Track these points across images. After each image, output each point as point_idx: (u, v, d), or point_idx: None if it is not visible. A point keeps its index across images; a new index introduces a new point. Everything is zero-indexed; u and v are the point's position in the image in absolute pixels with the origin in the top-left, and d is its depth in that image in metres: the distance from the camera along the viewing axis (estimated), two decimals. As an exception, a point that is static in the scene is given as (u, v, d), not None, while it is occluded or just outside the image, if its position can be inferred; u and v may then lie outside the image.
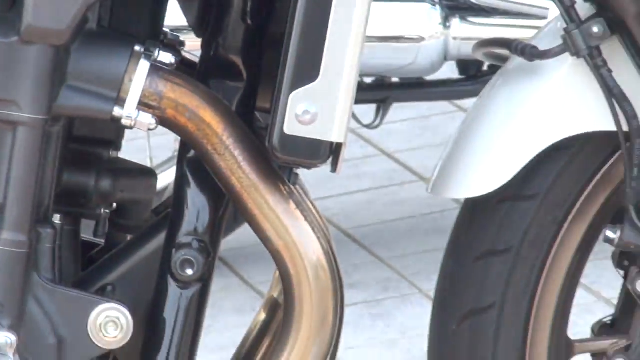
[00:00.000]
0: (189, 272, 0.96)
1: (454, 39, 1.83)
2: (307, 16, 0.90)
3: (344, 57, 0.91)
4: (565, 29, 1.01)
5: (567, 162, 1.09)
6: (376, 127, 1.93)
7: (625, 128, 1.00)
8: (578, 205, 1.11)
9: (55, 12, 0.84)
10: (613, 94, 0.99)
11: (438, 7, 1.83)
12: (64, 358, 0.97)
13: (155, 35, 0.98)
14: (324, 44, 0.91)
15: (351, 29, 0.91)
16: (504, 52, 1.06)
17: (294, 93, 0.89)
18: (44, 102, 0.90)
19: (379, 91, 1.90)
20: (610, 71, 0.99)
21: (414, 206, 2.10)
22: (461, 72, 2.04)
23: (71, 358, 0.98)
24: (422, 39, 1.78)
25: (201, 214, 1.00)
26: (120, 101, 0.89)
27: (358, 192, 2.12)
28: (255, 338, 1.12)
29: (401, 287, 2.15)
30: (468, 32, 1.85)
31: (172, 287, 0.99)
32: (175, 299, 0.99)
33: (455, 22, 1.86)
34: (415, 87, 1.95)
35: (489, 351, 1.02)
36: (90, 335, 0.95)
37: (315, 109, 0.90)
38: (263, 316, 1.12)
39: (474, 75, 2.02)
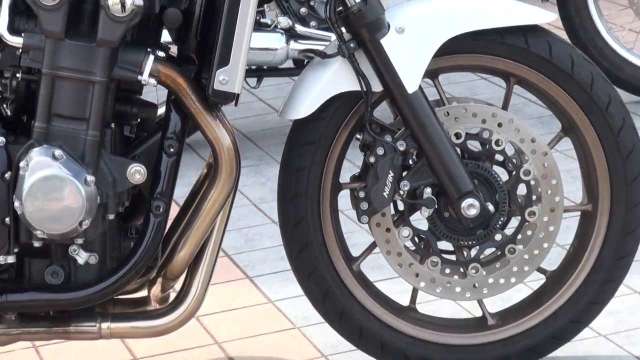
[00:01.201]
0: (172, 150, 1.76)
1: (291, 49, 3.10)
2: (225, 30, 1.68)
3: (240, 52, 1.69)
4: (338, 45, 1.83)
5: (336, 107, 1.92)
6: (255, 88, 3.26)
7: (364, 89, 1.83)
8: (342, 128, 1.95)
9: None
10: (360, 74, 1.80)
11: (284, 36, 3.08)
12: (117, 186, 1.74)
13: (157, 44, 1.79)
14: (232, 45, 1.69)
15: (244, 37, 1.69)
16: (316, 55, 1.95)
17: (218, 70, 1.68)
18: (107, 72, 1.67)
19: (257, 72, 3.16)
20: (358, 65, 1.83)
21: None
22: (295, 63, 3.28)
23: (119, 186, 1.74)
24: (276, 49, 2.99)
25: (177, 124, 1.77)
26: (141, 73, 1.66)
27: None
28: (200, 182, 1.93)
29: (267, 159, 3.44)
30: (298, 47, 3.12)
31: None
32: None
33: (292, 42, 3.10)
34: (275, 70, 3.21)
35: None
36: (127, 174, 1.74)
37: (227, 77, 1.68)
38: (205, 171, 1.92)
39: (302, 66, 3.12)
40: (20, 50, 1.70)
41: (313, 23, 3.18)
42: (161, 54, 1.73)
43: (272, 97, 3.95)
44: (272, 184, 2.92)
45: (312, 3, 3.31)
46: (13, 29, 1.66)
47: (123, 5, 1.62)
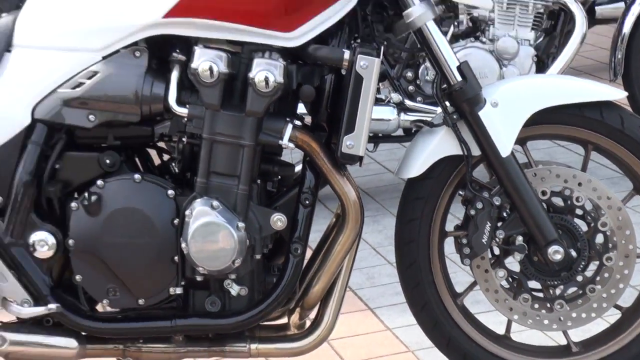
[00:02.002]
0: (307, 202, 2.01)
1: (402, 120, 3.39)
2: (351, 103, 1.91)
3: (364, 122, 1.93)
4: (443, 116, 2.06)
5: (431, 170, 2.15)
6: (373, 152, 3.69)
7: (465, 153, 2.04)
8: (447, 186, 2.19)
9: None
10: (462, 141, 2.02)
11: (395, 109, 3.31)
12: (263, 231, 1.98)
13: (294, 114, 2.04)
14: (356, 116, 1.93)
15: (367, 109, 1.93)
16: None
17: (346, 136, 1.91)
18: (254, 137, 1.93)
19: (373, 138, 3.48)
20: (460, 133, 2.03)
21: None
22: (404, 131, 3.56)
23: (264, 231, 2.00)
24: (390, 120, 3.34)
25: (311, 180, 2.01)
26: (282, 138, 1.91)
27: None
28: (330, 229, 2.19)
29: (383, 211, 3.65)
30: (407, 118, 3.40)
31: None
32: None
33: (402, 114, 3.38)
34: (388, 137, 3.49)
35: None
36: (271, 222, 2.00)
37: (353, 142, 1.92)
38: (333, 220, 2.19)
39: (411, 133, 3.37)
40: (186, 119, 1.96)
41: (419, 98, 3.43)
42: (298, 122, 2.00)
43: (386, 160, 4.21)
44: (387, 231, 3.27)
45: (418, 82, 3.49)
46: (180, 102, 1.93)
47: (267, 82, 1.86)
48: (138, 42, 1.93)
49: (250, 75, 1.87)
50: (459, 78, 2.02)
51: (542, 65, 3.44)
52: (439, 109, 2.23)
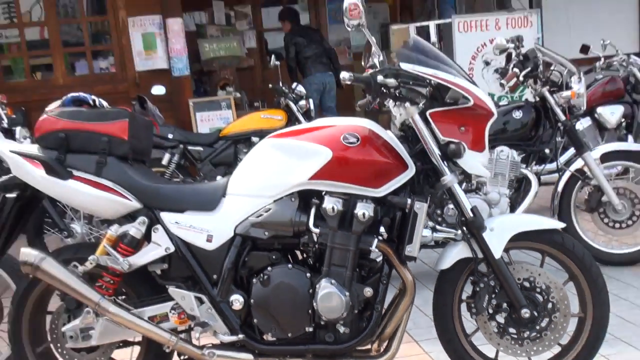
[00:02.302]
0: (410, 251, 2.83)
1: (434, 237, 3.61)
2: (411, 226, 2.81)
3: (418, 237, 2.81)
4: (462, 235, 2.95)
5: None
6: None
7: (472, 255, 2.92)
8: (463, 274, 3.06)
9: None
10: (472, 249, 2.89)
11: (428, 229, 3.49)
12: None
13: (378, 232, 2.83)
14: (413, 234, 2.83)
15: (420, 229, 2.82)
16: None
17: (407, 245, 2.82)
18: (356, 246, 2.79)
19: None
20: (471, 245, 2.93)
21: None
22: (435, 243, 4.07)
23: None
24: (426, 236, 3.27)
25: (386, 269, 2.90)
26: (371, 245, 2.78)
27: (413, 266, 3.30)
28: (396, 297, 2.94)
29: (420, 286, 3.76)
30: (437, 236, 3.69)
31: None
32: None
33: (434, 233, 3.60)
34: (425, 247, 3.91)
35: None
36: (364, 292, 2.93)
37: (411, 249, 2.84)
38: (397, 292, 2.94)
39: (439, 244, 4.08)
40: (318, 235, 2.77)
41: (444, 224, 4.26)
42: (380, 237, 2.78)
43: (425, 257, 4.56)
44: (426, 297, 3.58)
45: (443, 216, 4.45)
46: (315, 225, 2.78)
47: (364, 216, 2.71)
48: (294, 193, 2.85)
49: (355, 211, 2.73)
50: (471, 214, 2.85)
51: (513, 208, 4.81)
52: (458, 231, 3.01)
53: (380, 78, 2.84)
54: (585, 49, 6.70)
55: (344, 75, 2.93)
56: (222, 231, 2.96)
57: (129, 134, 3.12)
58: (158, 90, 8.29)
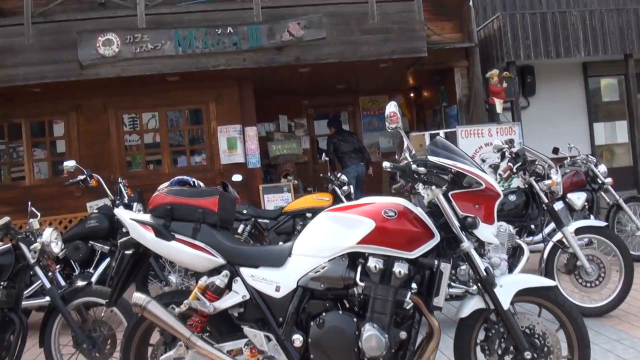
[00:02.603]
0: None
1: (451, 291, 3.10)
2: (437, 282, 2.69)
3: (443, 292, 2.68)
4: (477, 290, 2.80)
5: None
6: None
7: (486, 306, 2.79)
8: (478, 321, 2.81)
9: None
10: (485, 301, 2.76)
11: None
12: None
13: (411, 286, 2.78)
14: (440, 289, 2.68)
15: (444, 285, 2.72)
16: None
17: (435, 298, 2.67)
18: (394, 297, 2.69)
19: None
20: (485, 298, 2.78)
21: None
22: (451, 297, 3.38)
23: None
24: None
25: (417, 317, 2.74)
26: (406, 297, 2.68)
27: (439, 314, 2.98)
28: (425, 339, 2.76)
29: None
30: (454, 291, 3.19)
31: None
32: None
33: (450, 289, 3.05)
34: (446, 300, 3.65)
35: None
36: (399, 335, 2.74)
37: (438, 300, 2.69)
38: (424, 335, 2.75)
39: (458, 297, 3.35)
40: (362, 288, 2.68)
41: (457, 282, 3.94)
42: (413, 291, 2.65)
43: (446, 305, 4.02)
44: (446, 341, 3.29)
45: (456, 275, 4.17)
46: (361, 280, 2.68)
47: (400, 274, 2.65)
48: (344, 254, 2.80)
49: (393, 270, 2.64)
50: (485, 273, 2.75)
51: (510, 270, 4.56)
52: (473, 287, 2.86)
53: (414, 167, 2.84)
54: (555, 150, 6.87)
55: (386, 164, 2.90)
56: (288, 283, 2.86)
57: (218, 207, 3.05)
58: (237, 177, 8.44)
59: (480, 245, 2.92)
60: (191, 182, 3.26)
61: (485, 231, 2.80)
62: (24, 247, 3.72)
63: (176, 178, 3.30)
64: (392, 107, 2.90)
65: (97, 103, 9.11)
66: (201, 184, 3.33)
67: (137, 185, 7.25)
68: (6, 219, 3.75)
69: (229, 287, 2.93)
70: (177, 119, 9.89)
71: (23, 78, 8.07)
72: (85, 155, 8.99)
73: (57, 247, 3.84)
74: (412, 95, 12.62)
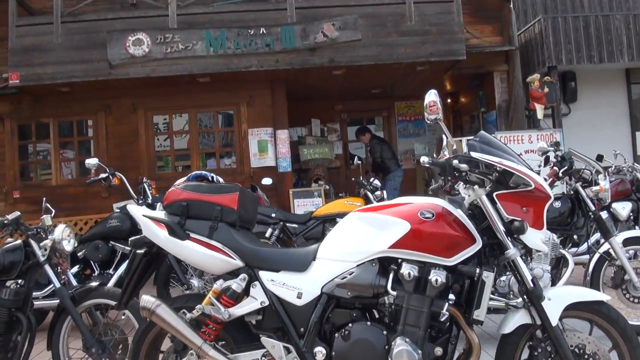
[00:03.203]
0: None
1: (491, 304, 3.06)
2: (478, 294, 2.44)
3: (485, 304, 2.41)
4: (523, 303, 2.50)
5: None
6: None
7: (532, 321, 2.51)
8: (523, 338, 2.54)
9: None
10: (531, 315, 2.47)
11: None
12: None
13: (448, 296, 2.53)
14: (481, 300, 2.41)
15: (486, 298, 2.46)
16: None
17: (475, 310, 2.42)
18: (429, 308, 2.44)
19: None
20: (531, 312, 2.51)
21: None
22: (492, 310, 3.40)
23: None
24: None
25: (455, 331, 2.48)
26: (443, 309, 2.42)
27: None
28: (463, 354, 2.51)
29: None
30: (494, 303, 3.28)
31: None
32: None
33: (491, 302, 3.00)
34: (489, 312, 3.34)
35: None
36: (434, 351, 2.48)
37: (479, 314, 2.44)
38: (462, 351, 2.52)
39: (494, 311, 3.45)
40: (394, 298, 2.48)
41: (496, 294, 3.59)
42: (451, 301, 2.47)
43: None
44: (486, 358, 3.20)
45: (495, 287, 3.71)
46: (392, 288, 2.46)
47: (437, 282, 2.42)
48: (374, 259, 2.56)
49: (429, 277, 2.43)
50: (532, 285, 2.50)
51: (552, 283, 4.19)
52: (518, 299, 2.61)
53: (455, 162, 2.57)
54: (600, 157, 6.38)
55: (424, 158, 2.62)
56: (311, 290, 2.63)
57: (238, 205, 2.84)
58: (266, 181, 8.40)
59: (527, 253, 2.63)
60: (209, 177, 3.04)
61: (534, 237, 2.52)
62: (34, 243, 3.55)
63: (194, 172, 3.11)
64: (432, 96, 2.62)
65: (126, 103, 9.02)
66: (220, 179, 3.10)
67: (165, 187, 7.04)
68: (16, 213, 3.61)
69: (246, 292, 2.72)
70: (207, 120, 9.75)
71: (51, 77, 8.00)
72: (114, 156, 8.91)
73: (69, 245, 3.65)
74: (449, 100, 12.29)
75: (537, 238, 2.54)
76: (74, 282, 4.08)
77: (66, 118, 9.09)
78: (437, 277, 2.44)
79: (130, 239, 2.96)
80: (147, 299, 2.76)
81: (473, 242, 2.52)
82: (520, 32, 10.45)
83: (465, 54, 8.51)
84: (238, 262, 2.75)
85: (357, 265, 2.59)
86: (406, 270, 2.48)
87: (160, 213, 2.92)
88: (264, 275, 2.72)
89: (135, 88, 8.76)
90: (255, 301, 2.70)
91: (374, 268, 2.58)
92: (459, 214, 2.58)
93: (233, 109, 9.38)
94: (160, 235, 2.79)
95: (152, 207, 5.55)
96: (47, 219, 3.79)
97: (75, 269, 5.54)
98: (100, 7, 8.77)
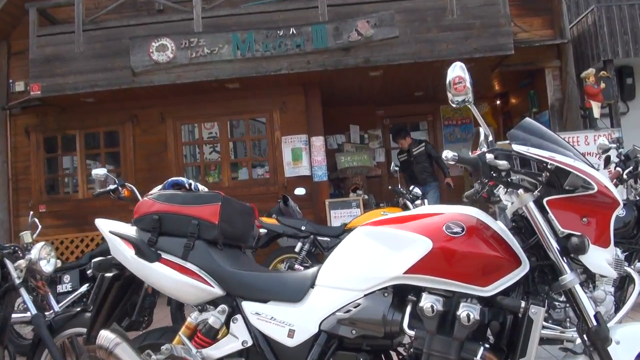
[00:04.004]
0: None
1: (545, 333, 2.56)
2: (524, 338, 1.81)
3: (532, 350, 1.79)
4: (583, 349, 1.85)
5: None
6: None
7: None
8: None
9: None
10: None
11: None
12: None
13: (485, 338, 1.89)
14: (527, 345, 1.79)
15: (535, 342, 1.81)
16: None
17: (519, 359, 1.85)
18: (458, 354, 1.82)
19: None
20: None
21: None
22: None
23: None
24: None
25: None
26: (476, 355, 1.80)
27: None
28: None
29: None
30: (546, 333, 2.61)
31: None
32: None
33: (546, 331, 2.61)
34: None
35: None
36: None
37: None
38: None
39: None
40: (413, 339, 1.91)
41: (550, 320, 3.04)
42: (487, 345, 1.90)
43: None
44: None
45: (549, 312, 3.16)
46: (410, 326, 1.91)
47: (468, 319, 1.81)
48: (387, 287, 1.98)
49: (458, 313, 1.85)
50: (595, 323, 1.86)
51: (617, 306, 3.51)
52: (572, 334, 2.15)
53: (489, 158, 1.94)
54: None
55: (447, 154, 1.99)
56: (306, 326, 2.06)
57: (220, 218, 2.30)
58: (299, 191, 7.95)
59: (589, 279, 1.98)
60: (187, 185, 2.47)
61: (597, 258, 1.88)
62: (9, 264, 3.12)
63: (170, 179, 2.55)
64: (457, 70, 1.98)
65: (153, 113, 8.65)
66: (199, 186, 2.54)
67: None
68: None
69: (228, 327, 2.19)
70: (238, 128, 9.27)
71: (73, 87, 7.69)
72: (141, 167, 8.55)
73: (49, 266, 3.20)
74: (498, 102, 11.50)
75: (602, 259, 1.88)
76: (56, 308, 3.59)
77: (93, 129, 8.79)
78: (468, 312, 1.85)
79: (93, 261, 2.49)
80: (106, 336, 2.24)
81: (517, 264, 1.90)
82: (573, 24, 9.63)
83: (512, 48, 7.80)
84: (216, 290, 2.21)
85: (365, 295, 2.01)
86: (427, 302, 1.88)
87: (131, 229, 2.41)
88: (247, 307, 2.16)
89: (162, 97, 8.38)
90: (235, 340, 2.15)
91: (387, 299, 1.98)
92: (499, 227, 1.96)
93: (265, 115, 8.90)
94: (127, 256, 2.31)
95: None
96: (27, 236, 3.36)
97: (85, 288, 5.09)
98: (124, 14, 8.44)
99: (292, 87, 8.54)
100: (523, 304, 1.86)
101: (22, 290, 3.19)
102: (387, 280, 1.98)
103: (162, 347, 2.19)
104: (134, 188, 5.28)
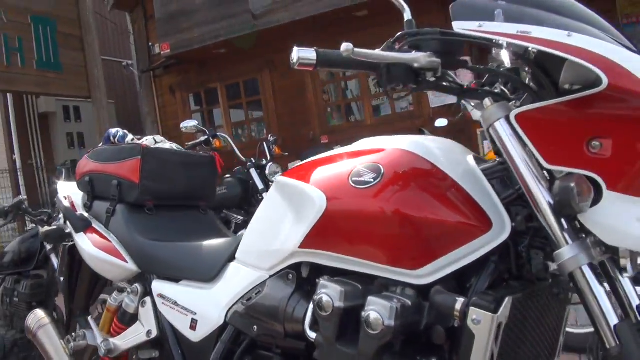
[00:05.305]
0: None
1: None
2: None
3: None
4: None
5: None
6: None
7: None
8: None
9: None
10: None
11: None
12: None
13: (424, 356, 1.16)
14: None
15: None
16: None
17: None
18: None
19: None
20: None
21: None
22: None
23: None
24: None
25: None
26: None
27: None
28: None
29: None
30: None
31: None
32: None
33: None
34: None
35: None
36: None
37: None
38: None
39: None
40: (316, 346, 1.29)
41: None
42: None
43: None
44: None
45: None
46: (312, 328, 1.28)
47: (376, 321, 1.13)
48: (290, 266, 1.36)
49: (362, 313, 1.15)
50: (615, 342, 1.02)
51: None
52: None
53: (395, 56, 1.20)
54: None
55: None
56: (209, 316, 1.52)
57: (141, 176, 1.84)
58: (441, 123, 6.95)
59: (611, 260, 1.10)
60: (112, 137, 2.03)
61: (616, 217, 1.01)
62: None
63: (109, 130, 2.13)
64: None
65: (288, 55, 8.29)
66: (131, 136, 2.08)
67: (339, 140, 6.28)
68: (18, 198, 3.24)
69: None
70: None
71: (199, 40, 7.60)
72: (283, 112, 8.32)
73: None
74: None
75: (627, 219, 1.00)
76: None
77: (232, 80, 8.69)
78: (377, 311, 1.14)
79: (41, 231, 2.18)
80: (34, 316, 2.00)
81: (483, 230, 1.12)
82: None
83: None
84: (131, 267, 1.76)
85: (270, 277, 1.41)
86: (322, 293, 1.22)
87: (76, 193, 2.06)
88: (156, 287, 1.68)
89: (291, 37, 7.98)
90: (141, 329, 1.69)
91: (289, 284, 1.37)
92: (464, 169, 1.21)
93: (400, 42, 8.09)
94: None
95: (262, 169, 4.79)
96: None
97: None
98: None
99: (425, 4, 7.61)
100: (459, 304, 1.09)
101: (53, 257, 3.04)
102: (287, 257, 1.36)
103: (73, 334, 1.86)
104: (228, 137, 5.01)
